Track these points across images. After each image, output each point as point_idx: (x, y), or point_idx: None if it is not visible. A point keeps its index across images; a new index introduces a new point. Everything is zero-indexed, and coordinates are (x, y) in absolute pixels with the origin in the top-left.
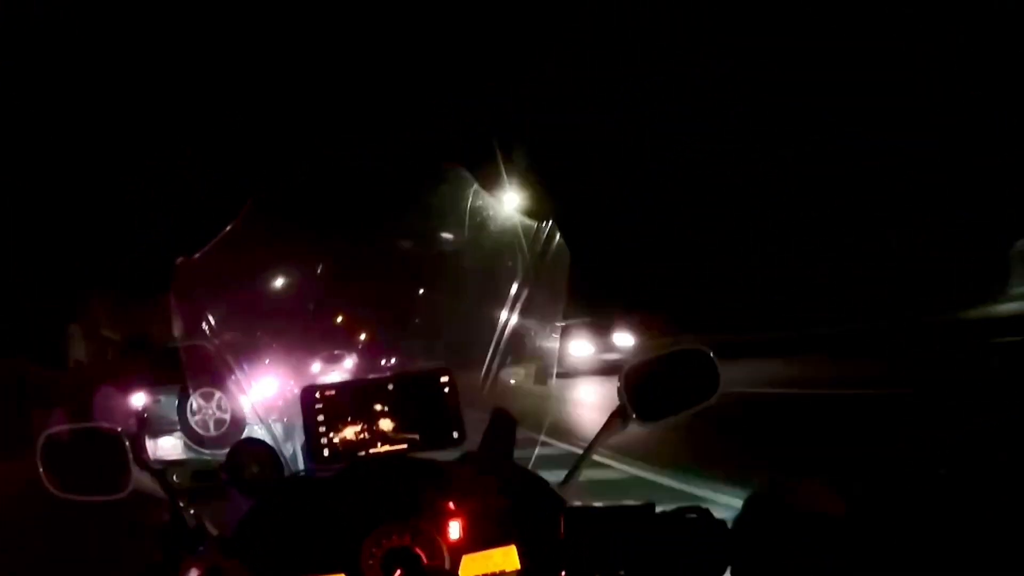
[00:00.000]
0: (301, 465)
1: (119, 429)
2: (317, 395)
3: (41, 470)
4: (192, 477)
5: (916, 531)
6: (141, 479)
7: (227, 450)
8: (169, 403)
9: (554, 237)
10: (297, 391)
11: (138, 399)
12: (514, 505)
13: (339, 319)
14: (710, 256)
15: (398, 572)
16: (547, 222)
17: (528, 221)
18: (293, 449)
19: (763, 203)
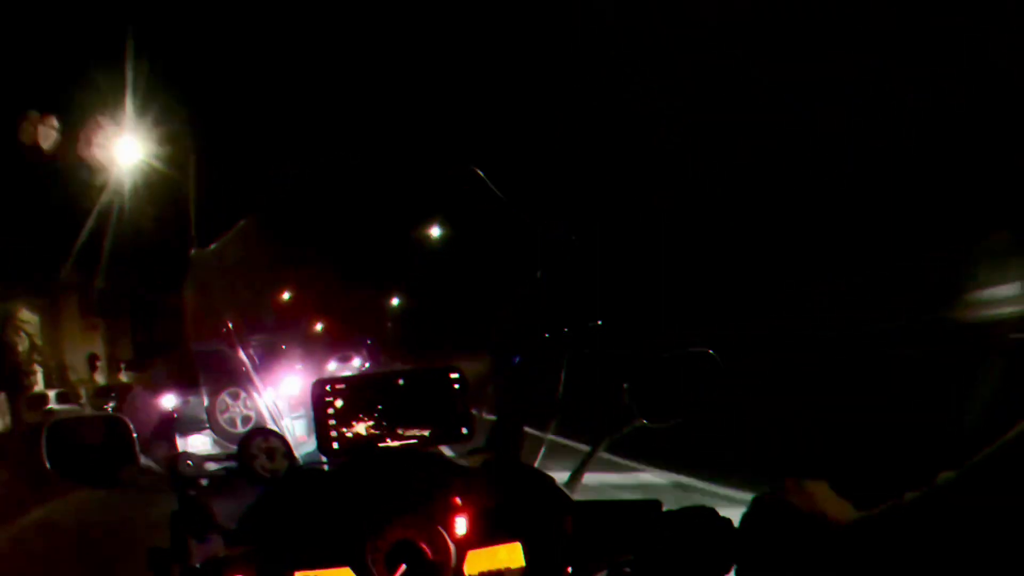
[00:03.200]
0: (311, 457)
1: (125, 419)
2: (327, 388)
3: (44, 453)
4: (202, 466)
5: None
6: (151, 468)
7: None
8: (197, 403)
9: (568, 240)
10: (310, 383)
11: (168, 400)
12: (520, 502)
13: (353, 314)
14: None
15: (402, 566)
16: (561, 224)
17: (538, 223)
18: (304, 441)
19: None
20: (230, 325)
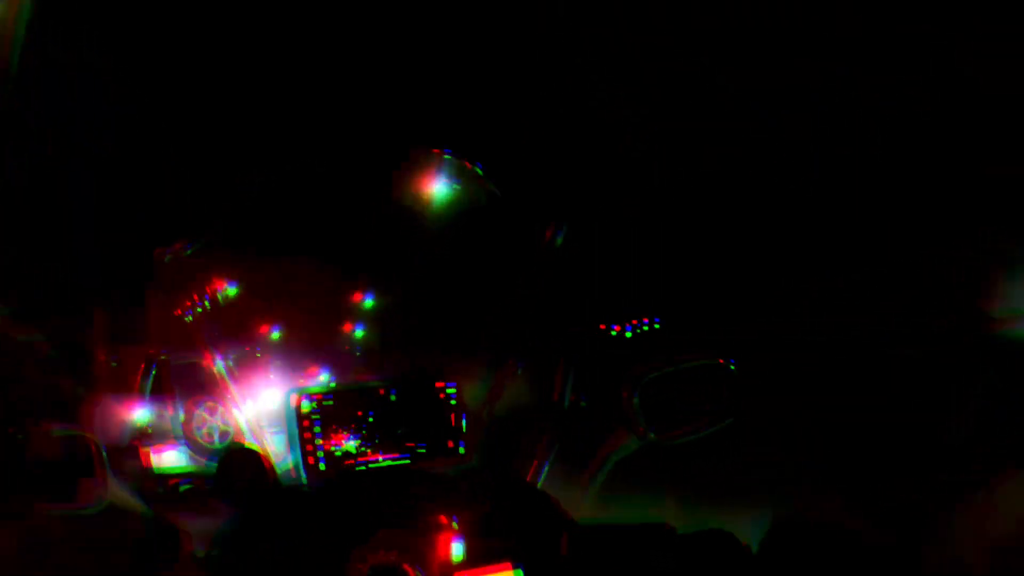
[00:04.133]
0: (293, 475)
1: (91, 434)
2: (308, 401)
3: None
4: (174, 485)
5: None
6: (116, 491)
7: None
8: (170, 416)
9: (564, 239)
10: (287, 394)
11: (138, 413)
12: (514, 522)
13: (339, 321)
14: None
15: None
16: (558, 223)
17: (536, 219)
18: (284, 458)
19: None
20: (204, 335)
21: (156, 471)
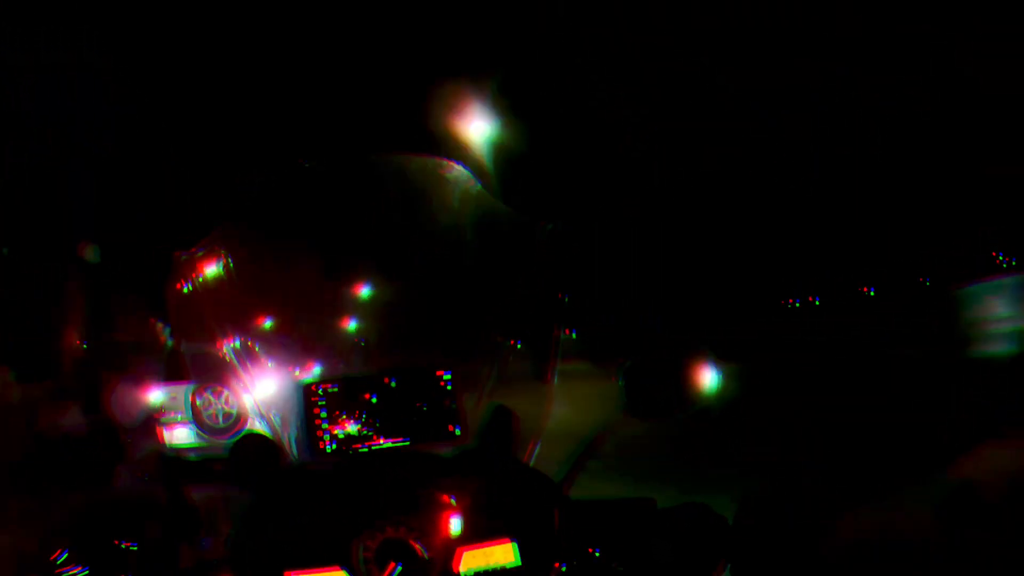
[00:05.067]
0: (301, 458)
1: (113, 423)
2: (317, 390)
3: (37, 465)
4: (192, 469)
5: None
6: (139, 469)
7: (232, 439)
8: (182, 398)
9: (554, 238)
10: (298, 385)
11: (154, 395)
12: (513, 500)
13: (342, 312)
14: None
15: (393, 564)
16: (548, 223)
17: (528, 220)
18: (293, 443)
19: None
20: (216, 327)
21: (169, 446)
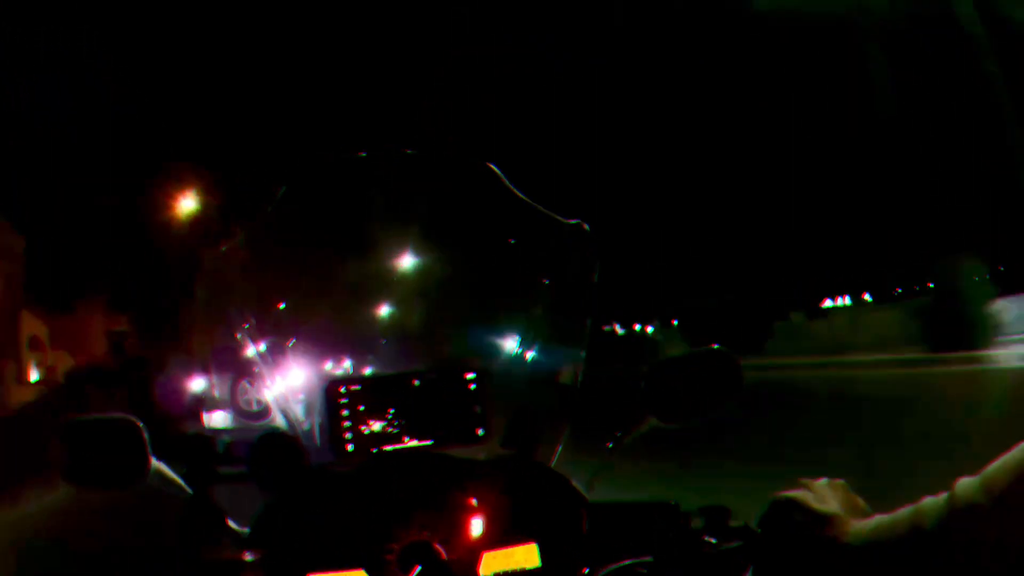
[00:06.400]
0: (324, 459)
1: (136, 420)
2: (341, 389)
3: (58, 460)
4: (214, 468)
5: None
6: (161, 469)
7: (263, 422)
8: (222, 387)
9: (583, 238)
10: (323, 384)
11: (196, 383)
12: (535, 502)
13: (367, 312)
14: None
15: (417, 567)
16: (577, 222)
17: (558, 220)
18: (317, 442)
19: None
20: (245, 326)
21: (208, 428)
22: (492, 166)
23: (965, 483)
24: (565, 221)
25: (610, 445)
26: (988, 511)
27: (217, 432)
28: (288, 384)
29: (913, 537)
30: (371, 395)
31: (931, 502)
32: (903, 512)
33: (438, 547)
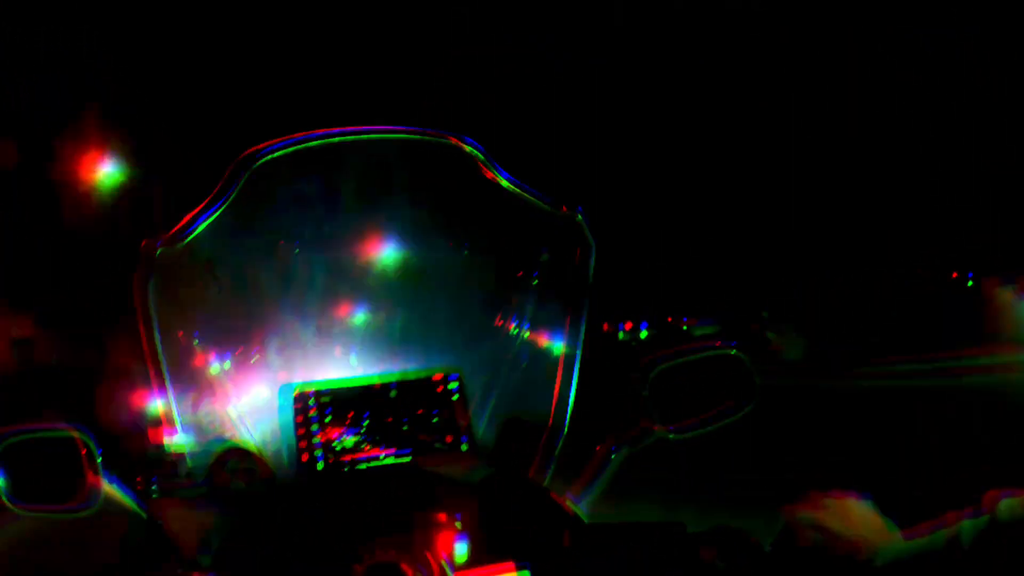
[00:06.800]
0: (290, 476)
1: (75, 433)
2: (308, 398)
3: None
4: (168, 487)
5: None
6: (109, 490)
7: (223, 443)
8: (179, 398)
9: (578, 229)
10: (288, 392)
11: (150, 396)
12: (516, 520)
13: (336, 312)
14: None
15: None
16: (571, 209)
17: (548, 207)
18: (282, 458)
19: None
20: (203, 331)
21: (163, 444)
22: (473, 143)
23: (1010, 501)
24: (554, 208)
25: (613, 457)
26: None
27: (172, 449)
28: (251, 393)
29: (950, 556)
30: (343, 405)
31: (969, 521)
32: (938, 532)
33: (407, 568)
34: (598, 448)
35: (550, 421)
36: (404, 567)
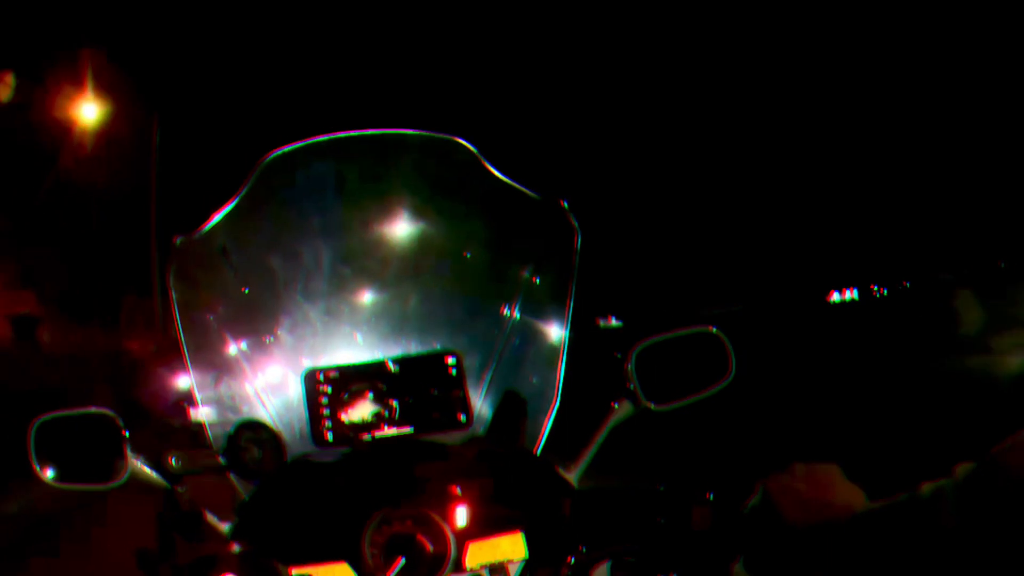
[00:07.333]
0: (304, 449)
1: (112, 413)
2: (320, 377)
3: (32, 458)
4: (191, 461)
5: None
6: (137, 465)
7: (245, 412)
8: (202, 378)
9: (563, 216)
10: (301, 373)
11: (181, 380)
12: (521, 490)
13: (345, 299)
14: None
15: (400, 559)
16: (557, 199)
17: (536, 197)
18: (296, 432)
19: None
20: (224, 316)
21: (194, 422)
22: (467, 142)
23: (968, 466)
24: (540, 197)
25: (606, 430)
26: (994, 491)
27: (199, 424)
28: (267, 373)
29: (912, 521)
30: (350, 383)
31: (931, 486)
32: (900, 497)
33: (422, 538)
34: (586, 422)
35: (544, 396)
36: (419, 537)
